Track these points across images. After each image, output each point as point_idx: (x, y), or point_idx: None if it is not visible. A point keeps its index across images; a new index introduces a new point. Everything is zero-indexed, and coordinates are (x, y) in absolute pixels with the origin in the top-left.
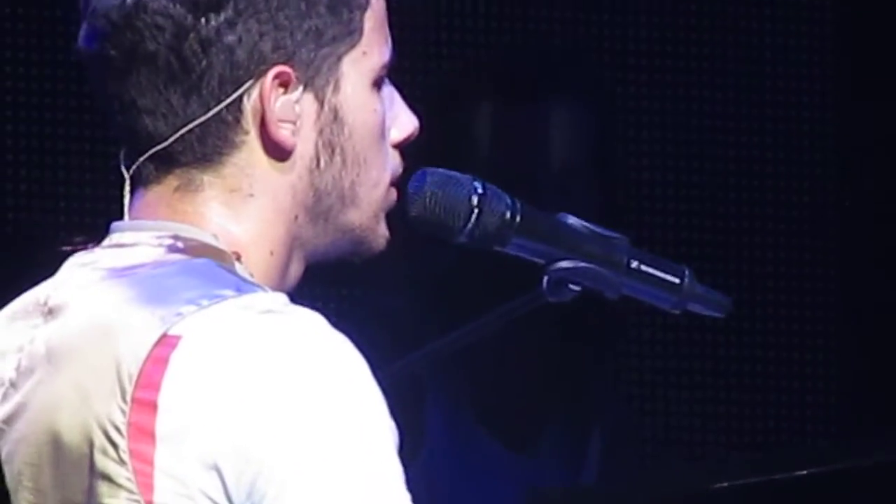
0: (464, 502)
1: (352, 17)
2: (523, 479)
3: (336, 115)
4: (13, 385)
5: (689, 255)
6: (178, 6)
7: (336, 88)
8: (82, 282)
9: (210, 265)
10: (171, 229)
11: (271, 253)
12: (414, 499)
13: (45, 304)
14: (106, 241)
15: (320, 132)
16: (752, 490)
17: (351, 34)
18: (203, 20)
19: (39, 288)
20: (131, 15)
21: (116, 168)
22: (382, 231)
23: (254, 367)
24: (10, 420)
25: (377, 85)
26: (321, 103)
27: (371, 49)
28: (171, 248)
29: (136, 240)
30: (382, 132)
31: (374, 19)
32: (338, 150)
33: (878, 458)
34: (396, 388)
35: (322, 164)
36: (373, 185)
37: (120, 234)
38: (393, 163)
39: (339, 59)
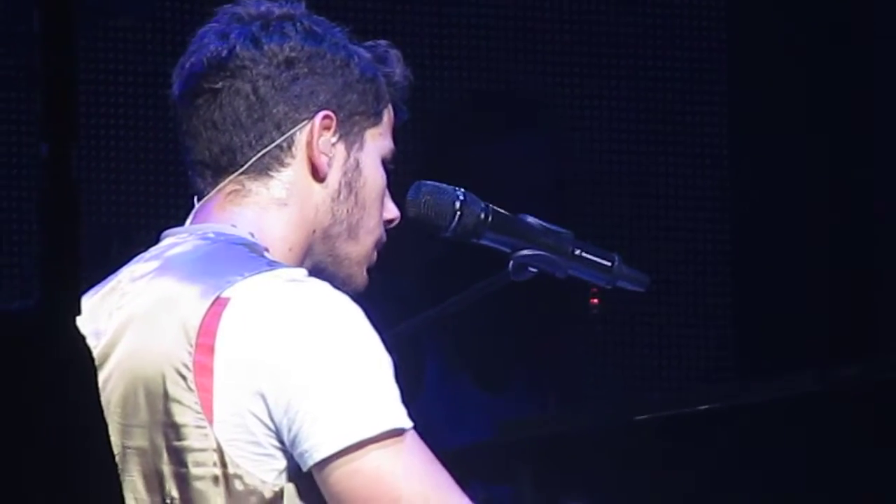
0: (452, 432)
1: (377, 105)
2: (497, 414)
3: (357, 165)
4: (104, 338)
5: (619, 245)
6: (263, 58)
7: (360, 147)
8: (153, 266)
9: (245, 251)
10: (214, 229)
11: (290, 249)
12: (417, 431)
13: (126, 282)
14: (166, 240)
15: (344, 173)
16: (666, 420)
17: (375, 115)
18: (278, 72)
19: (120, 272)
20: (226, 59)
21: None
22: (364, 275)
23: (283, 319)
24: (100, 365)
25: (383, 163)
26: (348, 153)
27: (385, 134)
28: (214, 241)
29: (187, 239)
30: (383, 196)
31: (388, 118)
32: (353, 191)
33: (758, 398)
34: (402, 346)
35: (341, 196)
36: (370, 230)
37: (177, 236)
38: (381, 229)
39: (364, 129)
